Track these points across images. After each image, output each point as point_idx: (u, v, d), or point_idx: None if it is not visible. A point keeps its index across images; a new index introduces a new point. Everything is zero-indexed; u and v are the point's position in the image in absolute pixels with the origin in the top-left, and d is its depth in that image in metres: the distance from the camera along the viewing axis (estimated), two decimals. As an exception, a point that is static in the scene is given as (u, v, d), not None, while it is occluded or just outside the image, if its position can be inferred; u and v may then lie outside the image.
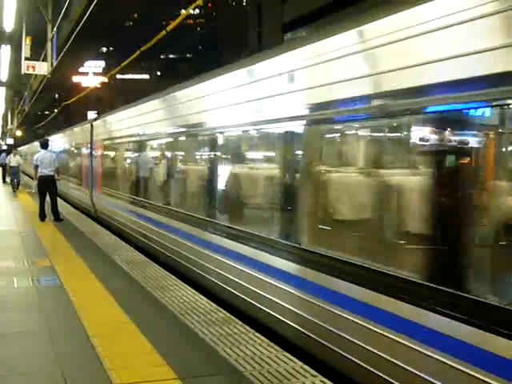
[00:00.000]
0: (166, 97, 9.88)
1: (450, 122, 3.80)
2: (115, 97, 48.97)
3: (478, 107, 3.57)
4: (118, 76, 50.20)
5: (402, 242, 4.32)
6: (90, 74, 56.48)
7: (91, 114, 49.82)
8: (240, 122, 6.76)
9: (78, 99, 27.33)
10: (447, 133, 3.84)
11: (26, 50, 19.82)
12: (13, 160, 24.74)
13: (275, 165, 6.23)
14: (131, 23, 63.10)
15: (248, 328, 5.40)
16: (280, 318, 5.50)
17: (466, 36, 3.51)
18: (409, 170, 4.39)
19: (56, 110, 42.76)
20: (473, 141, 3.76)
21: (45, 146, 13.96)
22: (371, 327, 4.20)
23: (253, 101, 6.39)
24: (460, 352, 3.43)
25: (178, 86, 9.43)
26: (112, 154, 14.77)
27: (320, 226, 5.33)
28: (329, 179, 5.24)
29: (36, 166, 13.45)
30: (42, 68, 19.85)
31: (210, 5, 70.11)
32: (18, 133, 62.96)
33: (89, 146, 16.90)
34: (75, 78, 54.75)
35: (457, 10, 3.56)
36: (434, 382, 3.63)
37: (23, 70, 19.89)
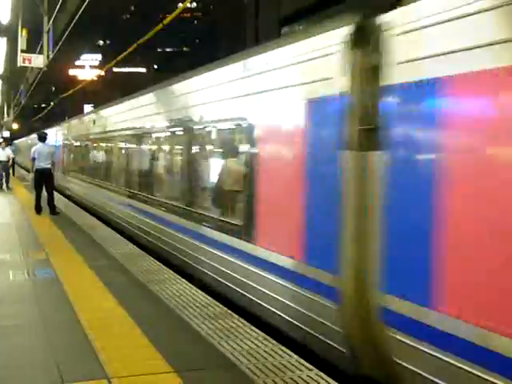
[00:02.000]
0: None
1: None
2: (115, 89, 48.81)
3: None
4: (115, 69, 50.04)
5: None
6: (87, 67, 56.32)
7: (87, 107, 49.69)
8: None
9: (75, 92, 27.21)
10: None
11: (21, 43, 19.73)
12: (1, 154, 21.77)
13: None
14: (128, 16, 62.95)
15: (244, 322, 5.40)
16: None
17: None
18: None
19: (52, 103, 42.64)
20: None
21: (43, 139, 13.99)
22: None
23: None
24: None
25: None
26: None
27: None
28: None
29: (33, 159, 13.48)
30: (38, 61, 19.74)
31: (207, -2, 69.93)
32: (15, 126, 62.83)
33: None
34: (72, 71, 54.65)
35: None
36: None
37: (19, 63, 19.79)
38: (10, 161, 22.91)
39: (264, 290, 5.56)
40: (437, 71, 3.66)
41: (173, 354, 4.53)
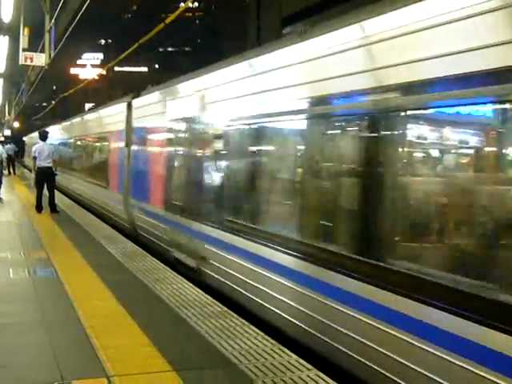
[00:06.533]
0: None
1: None
2: (116, 89, 48.80)
3: None
4: (117, 68, 50.08)
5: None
6: (88, 66, 56.31)
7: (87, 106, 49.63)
8: None
9: (76, 91, 27.21)
10: None
11: (23, 41, 19.71)
12: None
13: None
14: (130, 15, 62.93)
15: (244, 321, 5.41)
16: None
17: None
18: None
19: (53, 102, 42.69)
20: None
21: (44, 138, 13.99)
22: None
23: None
24: None
25: None
26: None
27: None
28: None
29: (34, 158, 13.50)
30: (40, 59, 19.70)
31: (209, -2, 69.90)
32: (16, 124, 62.94)
33: None
34: (73, 70, 54.65)
35: None
36: None
37: (21, 61, 19.76)
38: (5, 162, 20.54)
39: None
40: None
41: (173, 352, 4.54)
